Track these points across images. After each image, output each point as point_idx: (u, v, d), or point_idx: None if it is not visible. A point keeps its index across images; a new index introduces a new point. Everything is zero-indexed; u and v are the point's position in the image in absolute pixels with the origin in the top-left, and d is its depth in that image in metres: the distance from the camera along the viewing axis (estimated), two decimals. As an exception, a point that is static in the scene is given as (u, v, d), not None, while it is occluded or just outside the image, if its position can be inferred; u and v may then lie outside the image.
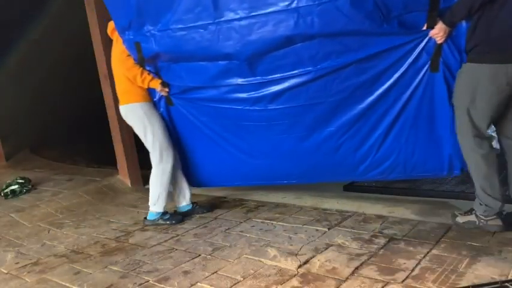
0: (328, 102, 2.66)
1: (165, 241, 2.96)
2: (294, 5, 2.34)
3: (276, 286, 2.17)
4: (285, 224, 3.02)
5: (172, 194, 3.39)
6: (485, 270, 2.09)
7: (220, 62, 2.71)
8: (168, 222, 3.26)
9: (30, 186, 4.72)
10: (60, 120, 8.56)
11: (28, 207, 4.05)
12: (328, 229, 2.84)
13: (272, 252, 2.56)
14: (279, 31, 2.45)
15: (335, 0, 2.29)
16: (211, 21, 2.56)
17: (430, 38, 2.38)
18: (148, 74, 3.01)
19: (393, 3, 2.30)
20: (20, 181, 4.71)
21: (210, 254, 2.64)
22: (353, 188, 3.93)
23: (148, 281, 2.38)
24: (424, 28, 2.37)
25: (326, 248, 2.54)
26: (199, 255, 2.65)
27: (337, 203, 3.36)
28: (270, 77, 2.67)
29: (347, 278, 2.17)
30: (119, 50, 3.05)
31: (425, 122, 2.60)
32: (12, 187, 4.60)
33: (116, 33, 3.05)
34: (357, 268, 2.26)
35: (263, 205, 3.52)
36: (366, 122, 2.69)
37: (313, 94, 2.65)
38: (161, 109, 3.15)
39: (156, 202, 3.24)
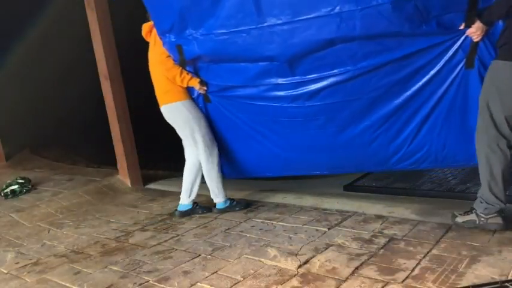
0: (365, 98, 2.75)
1: (165, 241, 2.96)
2: (336, 10, 2.43)
3: (276, 286, 2.17)
4: (285, 224, 3.02)
5: (187, 187, 3.45)
6: (485, 270, 2.09)
7: (260, 63, 2.83)
8: (237, 208, 3.39)
9: (30, 186, 4.72)
10: (60, 120, 8.56)
11: (28, 207, 4.04)
12: (328, 229, 2.84)
13: (272, 252, 2.56)
14: (321, 35, 2.55)
15: (377, 5, 2.37)
16: (254, 27, 2.66)
17: (467, 37, 2.45)
18: (187, 73, 3.11)
19: (433, 6, 2.37)
20: (20, 181, 4.71)
21: (210, 254, 2.64)
22: (353, 188, 3.94)
23: (148, 281, 2.38)
24: (461, 27, 2.43)
25: (326, 248, 2.54)
26: (199, 255, 2.65)
27: (337, 203, 3.36)
28: (309, 76, 2.77)
29: (347, 278, 2.17)
30: (159, 52, 3.13)
31: (457, 115, 2.68)
32: (12, 187, 4.60)
33: (153, 35, 3.15)
34: (357, 268, 2.26)
35: (263, 205, 3.52)
36: (401, 116, 2.78)
37: (351, 91, 2.74)
38: (199, 106, 3.28)
39: (218, 193, 3.38)
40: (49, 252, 2.98)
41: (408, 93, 2.70)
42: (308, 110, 2.90)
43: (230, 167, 3.53)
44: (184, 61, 3.03)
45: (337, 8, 2.43)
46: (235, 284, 2.24)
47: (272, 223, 3.07)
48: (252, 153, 3.35)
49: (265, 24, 2.63)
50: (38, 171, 5.68)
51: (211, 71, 3.06)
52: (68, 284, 2.46)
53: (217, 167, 3.34)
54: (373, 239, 2.60)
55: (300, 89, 2.84)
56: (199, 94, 3.21)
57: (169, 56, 3.11)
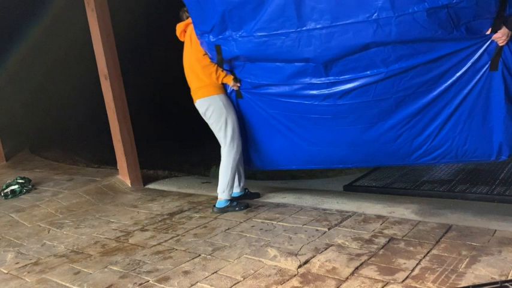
0: (393, 98, 2.90)
1: (165, 241, 2.96)
2: (374, 16, 2.57)
3: (276, 286, 2.17)
4: (285, 224, 3.02)
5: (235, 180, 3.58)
6: (485, 270, 2.09)
7: (296, 63, 2.97)
8: (237, 209, 3.42)
9: (30, 186, 4.72)
10: (60, 120, 8.56)
11: (28, 207, 4.05)
12: (328, 229, 2.84)
13: (272, 252, 2.56)
14: (357, 39, 2.68)
15: (413, 12, 2.49)
16: (293, 30, 2.80)
17: (492, 41, 2.59)
18: (222, 71, 3.28)
19: (464, 13, 2.49)
20: (20, 181, 4.72)
21: (210, 254, 2.65)
22: (353, 188, 3.95)
23: (148, 281, 2.38)
24: (488, 32, 2.57)
25: (326, 248, 2.54)
26: (199, 255, 2.65)
27: (337, 203, 3.36)
28: (342, 77, 2.91)
29: (347, 278, 2.17)
30: (196, 50, 3.29)
31: (479, 114, 2.81)
32: (12, 187, 4.60)
33: (188, 35, 3.33)
34: (357, 268, 2.26)
35: (263, 205, 3.52)
36: (425, 114, 2.92)
37: (381, 91, 2.88)
38: (232, 98, 3.45)
39: (225, 190, 3.43)
40: (49, 252, 2.98)
41: (434, 93, 2.83)
42: (338, 108, 3.05)
43: (259, 159, 3.68)
44: (222, 60, 3.17)
45: (375, 14, 2.56)
46: (235, 284, 2.24)
47: (272, 223, 3.07)
48: (279, 146, 3.49)
49: (305, 28, 2.76)
50: (38, 171, 5.68)
51: (247, 70, 3.21)
52: (68, 284, 2.46)
53: (235, 165, 3.44)
54: (373, 239, 2.61)
55: (332, 88, 2.99)
56: (232, 90, 3.39)
57: (205, 54, 3.25)
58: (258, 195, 3.73)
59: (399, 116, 2.96)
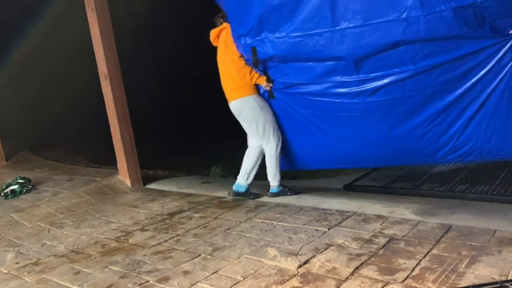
0: (420, 95, 2.98)
1: (165, 241, 2.96)
2: (404, 15, 2.71)
3: (276, 286, 2.17)
4: (285, 224, 3.02)
5: (246, 171, 3.76)
6: (485, 270, 2.09)
7: (328, 62, 3.09)
8: (288, 193, 3.67)
9: (30, 186, 4.72)
10: (60, 120, 8.56)
11: (28, 207, 4.04)
12: (328, 229, 2.84)
13: (272, 252, 2.56)
14: (387, 37, 2.82)
15: (440, 11, 2.63)
16: (327, 29, 2.95)
17: None
18: (256, 72, 3.44)
19: (488, 12, 2.59)
20: (20, 181, 4.72)
21: (210, 254, 2.65)
22: (353, 188, 3.94)
23: (148, 281, 2.38)
24: (511, 32, 2.65)
25: (326, 248, 2.54)
26: (199, 255, 2.65)
27: (337, 203, 3.36)
28: (372, 75, 3.03)
29: (347, 278, 2.17)
30: (231, 53, 3.47)
31: (504, 111, 2.86)
32: (12, 187, 4.60)
33: (222, 39, 3.53)
34: (357, 268, 2.26)
35: (263, 205, 3.52)
36: (451, 112, 2.99)
37: (409, 89, 2.98)
38: (264, 98, 3.59)
39: (274, 178, 3.67)
40: (49, 252, 2.98)
41: (460, 90, 2.91)
42: (368, 106, 3.13)
43: (287, 159, 3.78)
44: (257, 61, 3.31)
45: (404, 14, 2.71)
46: (235, 284, 2.24)
47: (272, 223, 3.07)
48: (308, 146, 3.59)
49: (338, 27, 2.91)
50: (38, 171, 5.68)
51: (279, 70, 3.35)
52: (68, 284, 2.46)
53: (278, 154, 3.64)
54: (373, 239, 2.60)
55: (362, 86, 3.09)
56: (264, 90, 3.53)
57: (241, 57, 3.42)
58: (258, 196, 3.77)
59: (426, 113, 3.03)
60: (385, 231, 2.69)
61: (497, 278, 2.00)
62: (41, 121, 8.58)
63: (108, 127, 4.59)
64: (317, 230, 2.84)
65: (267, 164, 3.68)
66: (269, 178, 3.71)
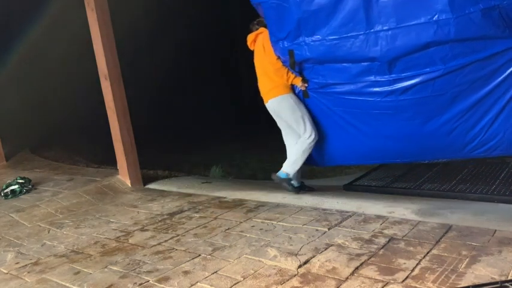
0: (449, 93, 3.12)
1: (165, 241, 2.96)
2: (435, 18, 2.87)
3: (276, 286, 2.17)
4: (285, 224, 3.02)
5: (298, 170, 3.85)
6: (485, 270, 2.09)
7: (362, 63, 3.25)
8: (289, 188, 3.75)
9: (30, 186, 4.72)
10: (60, 120, 8.56)
11: (28, 207, 4.05)
12: (328, 229, 2.84)
13: (272, 252, 2.56)
14: (419, 39, 2.97)
15: (469, 13, 2.77)
16: (362, 32, 3.13)
17: None
18: (292, 73, 3.62)
19: None
20: (20, 181, 4.72)
21: (210, 254, 2.65)
22: (353, 188, 3.95)
23: (148, 281, 2.38)
24: None
25: (326, 248, 2.54)
26: (199, 255, 2.65)
27: (337, 203, 3.36)
28: (404, 74, 3.17)
29: (347, 278, 2.17)
30: (269, 55, 3.66)
31: None
32: (12, 187, 4.60)
33: (259, 43, 3.72)
34: (357, 268, 2.26)
35: (263, 205, 3.52)
36: (479, 108, 3.10)
37: (438, 87, 3.11)
38: (299, 98, 3.74)
39: (290, 165, 3.75)
40: (49, 252, 2.98)
41: (487, 88, 3.03)
42: (399, 104, 3.27)
43: (321, 155, 3.89)
44: (294, 63, 3.49)
45: (436, 16, 2.86)
46: (235, 284, 2.24)
47: (272, 223, 3.07)
48: (342, 143, 3.71)
49: (372, 30, 3.09)
50: (38, 171, 5.68)
51: (315, 71, 3.51)
52: (68, 284, 2.46)
53: (307, 150, 3.72)
54: (373, 239, 2.61)
55: (394, 85, 3.23)
56: (299, 90, 3.69)
57: (278, 59, 3.61)
58: (297, 191, 3.84)
59: (454, 110, 3.15)
60: (385, 231, 2.69)
61: (497, 278, 2.00)
62: (41, 121, 8.58)
63: (108, 127, 4.59)
64: (317, 230, 2.84)
65: (293, 150, 3.78)
66: (285, 162, 3.81)
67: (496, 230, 2.52)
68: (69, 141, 8.01)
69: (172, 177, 5.09)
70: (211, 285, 2.25)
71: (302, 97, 3.71)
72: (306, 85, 3.60)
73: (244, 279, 2.27)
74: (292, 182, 3.79)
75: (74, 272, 2.60)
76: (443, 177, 3.90)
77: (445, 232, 2.58)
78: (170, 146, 8.93)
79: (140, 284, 2.36)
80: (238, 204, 3.64)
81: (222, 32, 13.45)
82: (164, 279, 2.38)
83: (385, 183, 3.97)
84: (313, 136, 3.67)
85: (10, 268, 2.77)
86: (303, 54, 3.41)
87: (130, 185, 4.56)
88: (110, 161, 5.18)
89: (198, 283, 2.29)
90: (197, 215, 3.45)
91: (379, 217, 2.96)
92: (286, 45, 3.46)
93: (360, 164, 4.05)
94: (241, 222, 3.17)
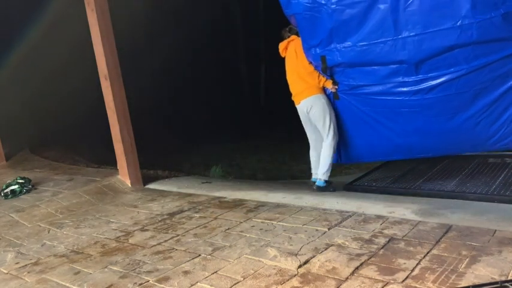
0: (472, 90, 3.33)
1: (165, 241, 2.96)
2: (458, 23, 3.10)
3: (276, 286, 2.17)
4: (285, 224, 3.02)
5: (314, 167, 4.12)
6: (485, 270, 2.09)
7: (391, 66, 3.47)
8: (331, 190, 3.90)
9: (30, 186, 4.72)
10: (60, 120, 8.56)
11: (28, 207, 4.05)
12: (328, 229, 2.84)
13: (272, 252, 2.56)
14: (444, 43, 3.19)
15: (490, 17, 2.99)
16: (390, 38, 3.36)
17: None
18: (323, 76, 3.84)
19: None
20: (20, 181, 4.72)
21: (210, 254, 2.65)
22: (353, 188, 3.95)
23: (148, 281, 2.38)
24: None
25: (326, 248, 2.54)
26: (199, 255, 2.65)
27: (337, 203, 3.36)
28: (430, 74, 3.39)
29: (347, 278, 2.17)
30: (302, 60, 3.90)
31: None
32: (12, 187, 4.60)
33: (290, 50, 3.96)
34: (357, 268, 2.26)
35: (263, 205, 3.52)
36: (500, 103, 3.31)
37: (462, 85, 3.32)
38: (330, 99, 3.97)
39: (325, 172, 3.94)
40: (49, 252, 2.98)
41: (508, 84, 3.23)
42: (426, 102, 3.48)
43: (349, 153, 4.12)
44: (326, 68, 3.74)
45: (459, 22, 3.09)
46: (235, 284, 2.24)
47: (272, 223, 3.07)
48: (370, 140, 3.93)
49: (400, 36, 3.32)
50: (38, 171, 5.68)
51: (345, 74, 3.74)
52: (68, 284, 2.46)
53: (333, 152, 3.95)
54: (373, 239, 2.61)
55: (421, 85, 3.44)
56: (330, 92, 3.92)
57: (310, 63, 3.85)
58: (333, 186, 4.03)
59: (478, 106, 3.35)
60: (385, 231, 2.69)
61: (497, 278, 2.00)
62: (41, 121, 8.57)
63: (108, 127, 4.59)
64: (317, 230, 2.84)
65: (321, 157, 3.97)
66: (320, 171, 3.97)
67: (496, 230, 2.52)
68: (69, 141, 8.01)
69: (172, 177, 5.09)
70: (211, 285, 2.25)
71: (332, 99, 3.94)
72: (337, 87, 3.83)
73: (244, 279, 2.27)
74: (331, 186, 3.95)
75: (74, 272, 2.60)
76: (443, 177, 3.90)
77: (445, 232, 2.58)
78: (170, 146, 8.93)
79: (140, 284, 2.36)
80: (238, 204, 3.64)
81: (222, 32, 13.46)
82: (164, 279, 2.38)
83: (385, 183, 3.97)
84: (336, 138, 3.92)
85: (10, 268, 2.77)
86: (334, 59, 3.66)
87: (130, 185, 4.56)
88: (110, 161, 5.19)
89: (198, 283, 2.29)
90: (197, 215, 3.45)
91: (379, 217, 2.96)
92: (318, 52, 3.70)
93: (389, 159, 4.27)
94: (241, 222, 3.17)
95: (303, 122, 4.12)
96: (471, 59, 3.21)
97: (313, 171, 4.17)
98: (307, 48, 3.77)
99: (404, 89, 3.52)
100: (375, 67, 3.57)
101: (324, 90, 3.93)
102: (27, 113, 8.79)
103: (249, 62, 14.79)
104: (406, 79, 3.48)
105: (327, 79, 3.84)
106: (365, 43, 3.47)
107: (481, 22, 3.02)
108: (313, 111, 3.93)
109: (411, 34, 3.29)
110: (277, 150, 8.63)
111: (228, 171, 6.49)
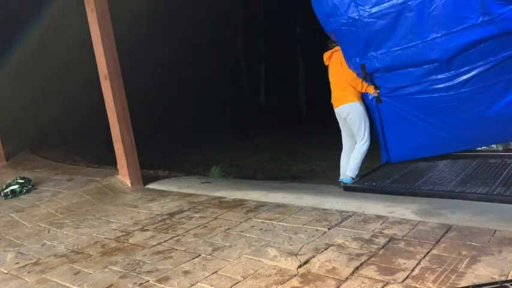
0: (503, 80, 3.59)
1: (165, 241, 2.96)
2: (479, 21, 3.38)
3: (276, 286, 2.17)
4: (285, 224, 3.02)
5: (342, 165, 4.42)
6: (485, 270, 2.09)
7: (424, 66, 3.78)
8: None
9: (30, 186, 4.72)
10: (60, 120, 8.56)
11: (28, 207, 4.05)
12: (328, 229, 2.84)
13: (272, 252, 2.56)
14: (469, 39, 3.48)
15: (507, 11, 3.25)
16: (420, 41, 3.69)
17: None
18: (365, 82, 4.17)
19: None
20: (20, 181, 4.72)
21: (210, 254, 2.65)
22: (353, 188, 3.94)
23: (148, 281, 2.38)
24: None
25: (326, 248, 2.54)
26: (199, 255, 2.65)
27: (337, 203, 3.36)
28: (462, 69, 3.67)
29: (347, 278, 2.17)
30: (346, 68, 4.21)
31: None
32: (12, 187, 4.60)
33: (334, 59, 4.30)
34: (357, 268, 2.26)
35: (263, 205, 3.52)
36: None
37: (493, 76, 3.59)
38: (372, 105, 4.28)
39: (353, 170, 4.22)
40: (49, 252, 2.98)
41: None
42: (462, 96, 3.76)
43: (395, 153, 4.40)
44: (367, 75, 4.08)
45: (480, 19, 3.37)
46: (235, 284, 2.24)
47: (272, 223, 3.07)
48: (415, 138, 4.18)
49: (428, 38, 3.65)
50: (38, 171, 5.68)
51: (384, 78, 4.07)
52: (68, 284, 2.46)
53: (364, 155, 4.25)
54: (373, 239, 2.61)
55: (454, 80, 3.73)
56: (372, 97, 4.23)
57: (352, 71, 4.17)
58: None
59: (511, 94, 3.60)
60: (385, 231, 2.69)
61: (497, 278, 2.00)
62: (41, 121, 8.58)
63: (108, 127, 4.59)
64: (317, 230, 2.84)
65: (352, 156, 4.27)
66: (348, 169, 4.26)
67: (496, 230, 2.52)
68: (69, 141, 8.01)
69: (172, 177, 5.09)
70: (211, 285, 2.25)
71: (375, 103, 4.24)
72: (378, 91, 4.16)
73: (244, 279, 2.27)
74: (352, 181, 4.20)
75: (74, 272, 2.60)
76: (443, 177, 3.90)
77: (445, 232, 2.58)
78: (170, 146, 8.93)
79: (140, 284, 2.36)
80: (238, 204, 3.64)
81: (222, 32, 13.45)
82: (164, 279, 2.38)
83: (385, 183, 3.97)
84: (368, 143, 4.22)
85: (10, 268, 2.77)
86: (372, 66, 4.00)
87: (130, 185, 4.56)
88: (110, 161, 5.19)
89: (198, 283, 2.29)
90: (197, 215, 3.45)
91: (379, 217, 2.96)
92: (358, 61, 4.05)
93: (435, 155, 4.41)
94: (241, 222, 3.17)
95: (340, 126, 4.43)
96: (497, 52, 3.47)
97: (341, 173, 4.42)
98: (348, 59, 4.14)
99: (440, 85, 3.81)
100: (410, 69, 3.88)
101: (362, 97, 4.26)
102: (28, 113, 8.79)
103: (249, 62, 14.81)
104: (440, 76, 3.78)
105: (369, 85, 4.17)
106: (398, 48, 3.82)
107: (500, 16, 3.27)
108: (350, 117, 4.24)
109: (438, 35, 3.59)
110: (277, 150, 8.65)
111: (228, 171, 6.50)
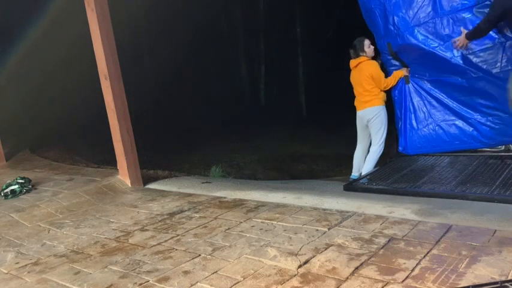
0: None
1: (165, 241, 2.96)
2: (501, 40, 3.91)
3: (276, 286, 2.17)
4: (285, 224, 3.03)
5: (358, 165, 4.72)
6: (485, 270, 2.09)
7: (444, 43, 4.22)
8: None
9: (30, 186, 4.72)
10: (60, 120, 8.56)
11: (28, 207, 4.05)
12: (328, 229, 2.84)
13: (272, 252, 2.56)
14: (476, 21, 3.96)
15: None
16: (438, 18, 4.22)
17: None
18: (391, 77, 4.61)
19: None
20: (20, 181, 4.71)
21: (210, 254, 2.65)
22: (353, 188, 3.94)
23: (148, 281, 2.38)
24: None
25: (326, 248, 2.54)
26: (199, 255, 2.65)
27: (337, 203, 3.36)
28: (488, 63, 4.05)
29: (347, 278, 2.17)
30: (377, 79, 4.56)
31: None
32: (12, 187, 4.60)
33: (359, 67, 4.58)
34: (357, 268, 2.26)
35: (263, 205, 3.52)
36: None
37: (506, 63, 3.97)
38: (400, 84, 4.69)
39: (367, 169, 4.51)
40: (49, 252, 2.99)
41: None
42: (479, 85, 4.11)
43: (414, 144, 4.72)
44: (394, 54, 4.49)
45: (502, 39, 3.89)
46: (235, 284, 2.24)
47: (272, 223, 3.07)
48: (443, 126, 4.52)
49: (443, 14, 4.20)
50: (38, 171, 5.68)
51: (407, 57, 4.49)
52: (68, 284, 2.46)
53: (379, 157, 4.57)
54: (373, 239, 2.61)
55: (478, 71, 4.08)
56: (401, 78, 4.63)
57: (379, 74, 4.52)
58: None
59: None
60: (385, 231, 2.70)
61: (497, 278, 2.00)
62: (41, 121, 8.58)
63: (108, 127, 4.59)
64: (317, 230, 2.84)
65: (367, 158, 4.58)
66: (364, 169, 4.56)
67: (496, 230, 2.52)
68: (69, 141, 8.02)
69: (172, 177, 5.09)
70: (211, 285, 2.25)
71: (403, 84, 4.60)
72: (408, 68, 4.54)
73: (244, 279, 2.27)
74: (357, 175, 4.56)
75: (74, 272, 2.61)
76: (443, 177, 3.90)
77: (445, 232, 2.58)
78: (170, 146, 8.93)
79: (140, 284, 2.36)
80: (238, 204, 3.64)
81: (222, 32, 13.45)
82: (164, 279, 2.38)
83: (385, 183, 3.97)
84: (383, 146, 4.55)
85: (10, 268, 2.77)
86: (396, 43, 4.40)
87: (130, 185, 4.56)
88: (110, 161, 5.19)
89: (198, 283, 2.29)
90: (197, 215, 3.45)
91: (379, 217, 2.96)
92: (385, 40, 4.47)
93: (460, 149, 4.54)
94: (241, 222, 3.17)
95: (358, 127, 4.70)
96: None
97: (354, 170, 4.70)
98: (378, 42, 4.54)
99: (457, 75, 4.18)
100: (439, 54, 4.20)
101: (385, 101, 4.57)
102: (28, 113, 8.80)
103: (249, 62, 14.81)
104: (459, 61, 4.15)
105: (394, 71, 4.55)
106: (416, 24, 4.26)
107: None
108: (372, 120, 4.54)
109: (452, 12, 4.01)
110: (277, 150, 8.65)
111: (228, 171, 6.50)
